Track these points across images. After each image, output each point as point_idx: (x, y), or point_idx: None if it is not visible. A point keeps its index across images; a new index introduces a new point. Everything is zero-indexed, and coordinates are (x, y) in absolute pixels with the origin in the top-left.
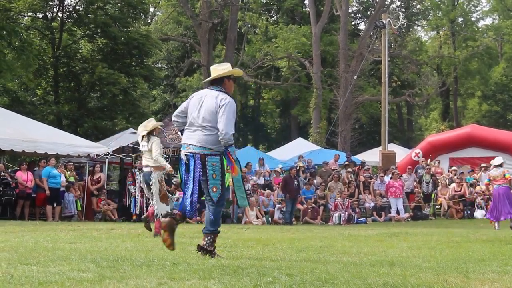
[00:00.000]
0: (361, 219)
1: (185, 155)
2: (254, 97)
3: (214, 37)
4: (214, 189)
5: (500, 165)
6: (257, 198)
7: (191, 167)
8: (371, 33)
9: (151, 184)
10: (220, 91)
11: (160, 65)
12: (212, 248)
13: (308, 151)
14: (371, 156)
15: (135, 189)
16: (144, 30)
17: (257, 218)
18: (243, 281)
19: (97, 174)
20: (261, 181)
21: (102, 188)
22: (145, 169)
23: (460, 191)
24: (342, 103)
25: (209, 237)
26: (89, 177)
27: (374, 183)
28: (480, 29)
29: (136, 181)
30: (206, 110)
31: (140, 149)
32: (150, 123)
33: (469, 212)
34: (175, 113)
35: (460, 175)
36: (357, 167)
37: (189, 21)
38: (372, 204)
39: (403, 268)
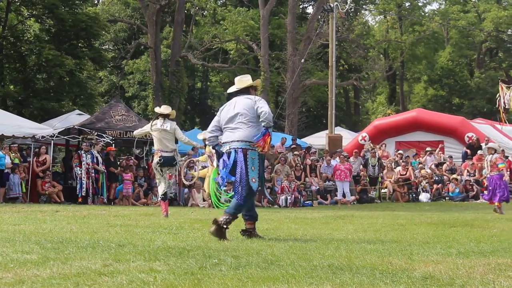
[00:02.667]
0: (308, 202)
1: (227, 152)
2: (201, 79)
3: (162, 19)
4: (254, 180)
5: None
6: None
7: (232, 159)
8: (319, 17)
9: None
10: (248, 95)
11: (107, 47)
12: (226, 226)
13: None
14: (318, 140)
15: (81, 171)
16: (91, 12)
17: (204, 200)
18: (188, 262)
19: (42, 155)
20: (208, 164)
21: (47, 170)
22: (171, 154)
23: (405, 174)
24: (290, 86)
25: (228, 217)
26: (34, 158)
27: (320, 166)
28: (427, 14)
29: (82, 162)
30: (243, 107)
31: (157, 128)
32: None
33: (414, 195)
34: (210, 129)
35: (405, 159)
36: (304, 151)
37: (137, 2)
38: (319, 187)
39: (348, 250)
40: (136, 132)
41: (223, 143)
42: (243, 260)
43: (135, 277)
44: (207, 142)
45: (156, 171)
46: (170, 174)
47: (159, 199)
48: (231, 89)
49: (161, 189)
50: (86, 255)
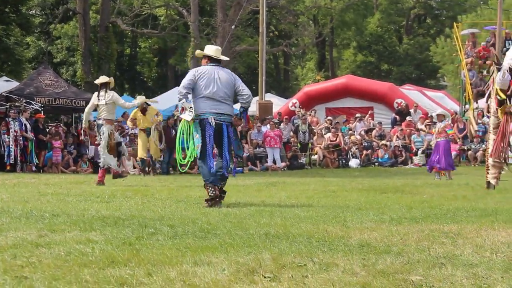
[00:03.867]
0: (238, 168)
1: (217, 123)
2: (130, 45)
3: None
4: (239, 147)
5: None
6: (134, 148)
7: (225, 133)
8: None
9: (101, 135)
10: (224, 67)
11: (34, 12)
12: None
13: None
14: None
15: (9, 138)
16: None
17: (134, 168)
18: (125, 232)
19: None
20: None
21: None
22: (99, 122)
23: (335, 140)
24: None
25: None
26: None
27: (251, 132)
28: None
29: (10, 130)
30: (227, 86)
31: (96, 103)
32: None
33: (344, 161)
34: (186, 85)
35: (335, 125)
36: (234, 117)
37: None
38: (249, 153)
39: (282, 218)
40: (85, 117)
41: (205, 112)
42: (179, 229)
43: (73, 248)
44: (180, 96)
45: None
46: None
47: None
48: (211, 52)
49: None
50: (20, 225)
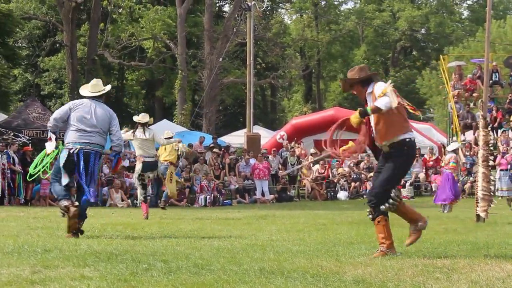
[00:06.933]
0: (227, 200)
1: (85, 151)
2: (117, 78)
3: (78, 17)
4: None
5: (454, 151)
6: (123, 181)
7: (92, 162)
8: (236, 15)
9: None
10: (103, 103)
11: (20, 44)
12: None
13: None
14: (236, 138)
15: None
16: (5, 9)
17: (122, 200)
18: (119, 268)
19: None
20: (126, 163)
21: None
22: (150, 159)
23: (323, 173)
24: (208, 85)
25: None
26: None
27: (239, 165)
28: (342, 13)
29: None
30: (101, 119)
31: (137, 137)
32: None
33: (332, 193)
34: (57, 117)
35: None
36: (223, 150)
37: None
38: (238, 186)
39: (275, 252)
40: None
41: (73, 142)
42: (173, 265)
43: (68, 285)
44: (54, 128)
45: (137, 175)
46: (150, 178)
47: (140, 201)
48: (86, 93)
49: (140, 192)
50: (13, 261)
